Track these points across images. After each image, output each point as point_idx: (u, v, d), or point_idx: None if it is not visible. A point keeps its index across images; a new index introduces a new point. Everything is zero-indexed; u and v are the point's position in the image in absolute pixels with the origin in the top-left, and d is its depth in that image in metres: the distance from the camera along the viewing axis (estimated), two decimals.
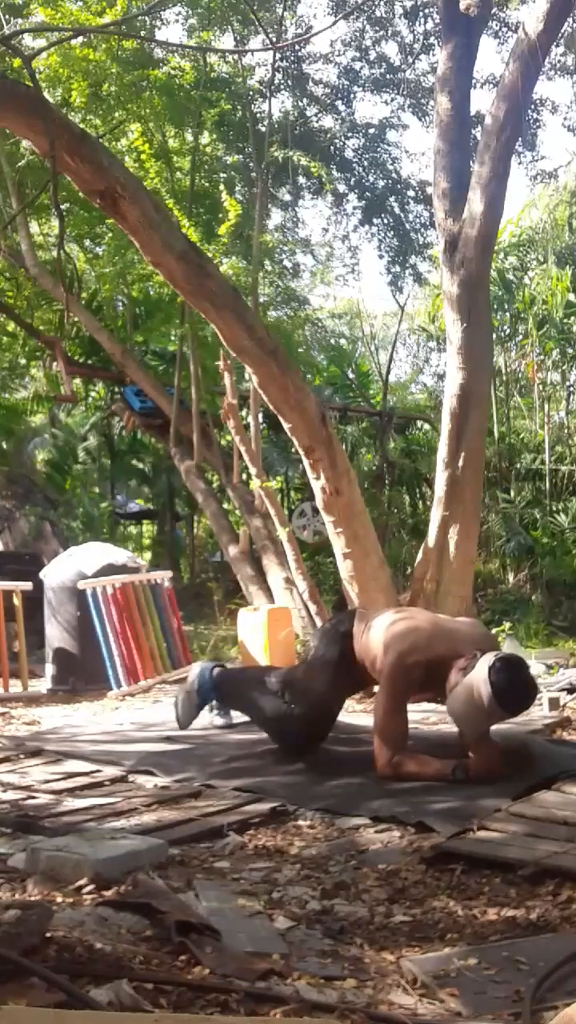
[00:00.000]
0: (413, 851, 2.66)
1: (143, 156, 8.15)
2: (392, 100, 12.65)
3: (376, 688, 3.86)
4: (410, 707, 3.62)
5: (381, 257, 13.54)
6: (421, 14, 11.61)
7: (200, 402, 9.06)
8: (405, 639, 3.51)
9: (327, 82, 12.43)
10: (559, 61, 11.47)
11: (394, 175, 12.97)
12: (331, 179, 11.86)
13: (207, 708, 4.37)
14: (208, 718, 4.45)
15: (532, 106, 10.70)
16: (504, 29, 10.78)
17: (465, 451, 5.81)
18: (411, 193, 13.12)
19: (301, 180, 12.08)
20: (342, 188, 12.85)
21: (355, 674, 3.85)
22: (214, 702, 4.35)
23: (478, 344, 5.90)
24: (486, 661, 3.23)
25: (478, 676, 3.21)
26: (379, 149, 12.81)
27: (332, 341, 15.20)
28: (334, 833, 2.88)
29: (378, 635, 3.68)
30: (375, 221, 13.18)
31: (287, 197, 12.57)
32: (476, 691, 3.20)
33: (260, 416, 8.51)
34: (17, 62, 6.43)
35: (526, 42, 5.70)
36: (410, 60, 12.11)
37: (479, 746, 3.48)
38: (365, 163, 12.87)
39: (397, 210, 13.04)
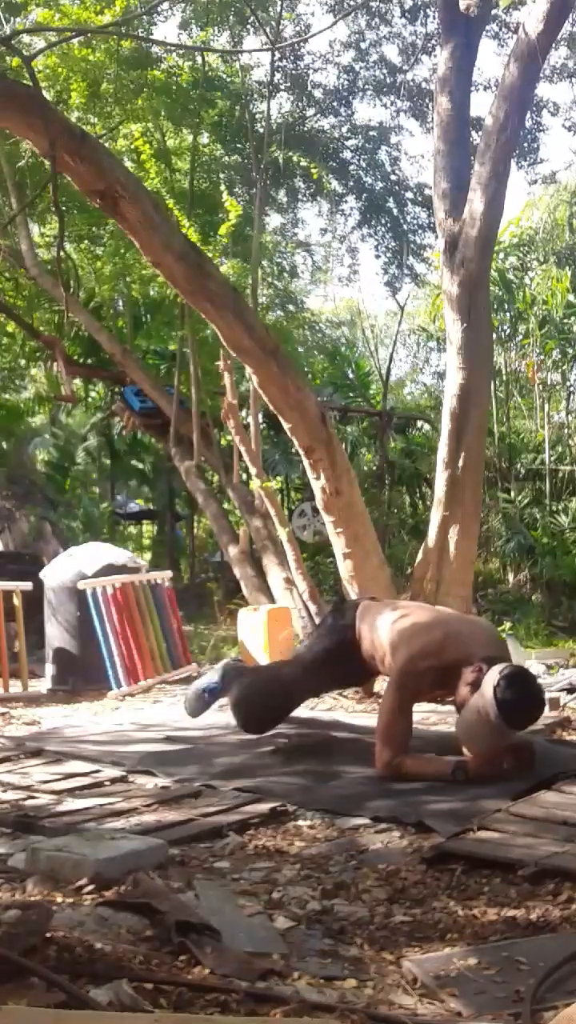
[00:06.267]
0: (413, 851, 2.66)
1: (143, 156, 8.16)
2: (392, 104, 12.67)
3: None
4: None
5: (378, 257, 13.60)
6: (421, 15, 11.61)
7: (200, 402, 9.06)
8: (416, 641, 3.47)
9: (325, 85, 12.45)
10: (561, 64, 11.51)
11: (393, 176, 12.98)
12: (330, 180, 11.86)
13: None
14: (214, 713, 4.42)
15: (533, 108, 10.71)
16: (504, 30, 10.79)
17: (465, 451, 5.81)
18: (409, 195, 13.13)
19: (300, 182, 12.08)
20: (340, 189, 12.85)
21: (349, 667, 3.93)
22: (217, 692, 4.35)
23: (478, 344, 5.91)
24: (491, 680, 3.17)
25: (485, 696, 3.16)
26: (377, 152, 12.82)
27: (330, 344, 15.19)
28: (334, 833, 2.87)
29: (384, 631, 3.66)
30: (373, 222, 13.19)
31: (285, 199, 12.58)
32: (483, 711, 3.17)
33: (260, 416, 8.50)
34: (16, 62, 6.43)
35: (526, 42, 5.71)
36: (410, 61, 12.12)
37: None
38: (363, 165, 12.88)
39: (395, 211, 13.05)
